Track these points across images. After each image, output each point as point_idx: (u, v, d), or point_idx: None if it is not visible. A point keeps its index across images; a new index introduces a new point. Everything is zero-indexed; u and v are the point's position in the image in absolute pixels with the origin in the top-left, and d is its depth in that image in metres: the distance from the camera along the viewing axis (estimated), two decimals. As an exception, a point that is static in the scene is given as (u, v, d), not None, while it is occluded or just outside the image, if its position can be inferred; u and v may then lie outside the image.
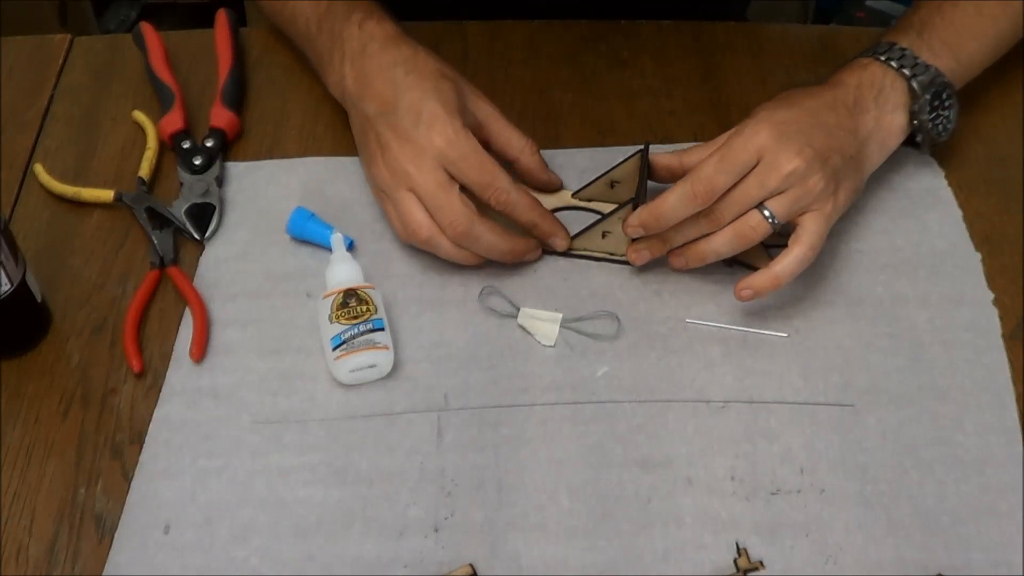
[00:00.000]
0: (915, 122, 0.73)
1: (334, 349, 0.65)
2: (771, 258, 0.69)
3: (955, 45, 0.74)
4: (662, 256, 0.71)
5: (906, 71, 0.72)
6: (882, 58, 0.73)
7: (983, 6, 0.76)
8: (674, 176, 0.70)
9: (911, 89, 0.72)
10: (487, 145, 0.71)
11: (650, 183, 0.73)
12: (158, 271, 0.73)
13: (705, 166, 0.66)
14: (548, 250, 0.73)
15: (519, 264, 0.73)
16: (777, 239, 0.68)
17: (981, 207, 0.76)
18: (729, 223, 0.67)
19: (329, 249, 0.71)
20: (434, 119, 0.68)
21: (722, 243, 0.68)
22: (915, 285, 0.72)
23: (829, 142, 0.68)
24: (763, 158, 0.66)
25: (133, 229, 0.76)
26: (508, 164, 0.74)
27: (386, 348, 0.66)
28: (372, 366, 0.66)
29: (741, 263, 0.71)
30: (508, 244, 0.70)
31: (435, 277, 0.72)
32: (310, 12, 0.79)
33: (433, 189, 0.67)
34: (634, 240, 0.71)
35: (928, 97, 0.72)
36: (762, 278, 0.67)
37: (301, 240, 0.74)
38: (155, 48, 0.85)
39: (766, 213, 0.66)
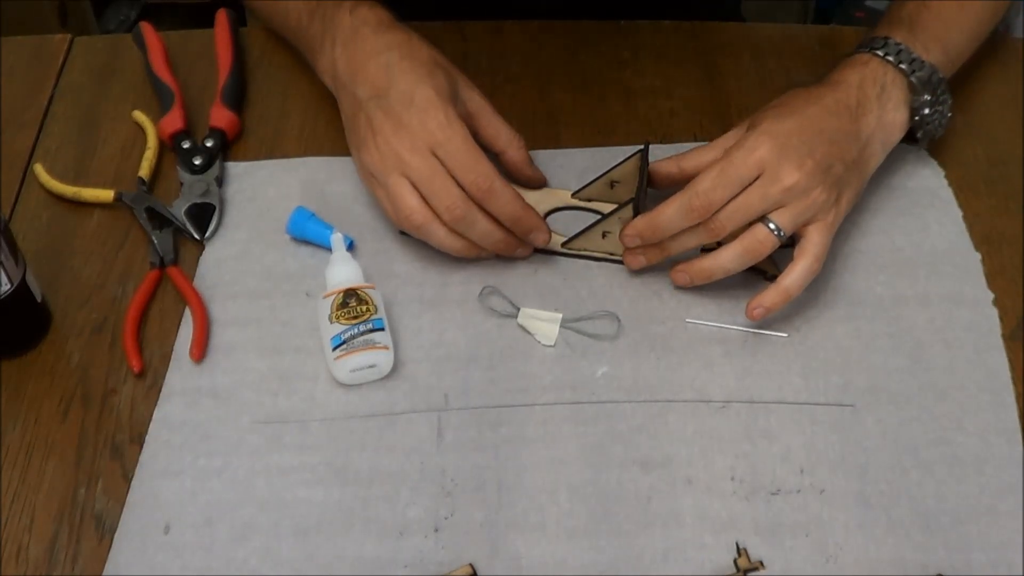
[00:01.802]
0: (916, 118, 0.73)
1: (334, 349, 0.65)
2: (773, 261, 0.70)
3: (943, 39, 0.75)
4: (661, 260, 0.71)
5: (904, 67, 0.72)
6: (880, 53, 0.73)
7: (964, 2, 0.77)
8: (674, 183, 0.70)
9: (911, 85, 0.72)
10: (475, 136, 0.71)
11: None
12: (158, 271, 0.73)
13: (704, 179, 0.66)
14: (541, 249, 0.73)
15: (519, 264, 0.73)
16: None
17: (981, 207, 0.76)
18: (730, 236, 0.67)
19: (329, 249, 0.71)
20: (428, 104, 0.68)
21: (730, 259, 0.68)
22: (915, 285, 0.72)
23: (831, 150, 0.68)
24: (764, 172, 0.66)
25: (133, 229, 0.76)
26: (494, 157, 0.74)
27: (386, 348, 0.66)
28: (372, 366, 0.66)
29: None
30: (502, 232, 0.69)
31: (435, 277, 0.72)
32: (302, 5, 0.79)
33: (429, 175, 0.67)
34: None
35: (928, 96, 0.72)
36: (772, 295, 0.67)
37: (301, 240, 0.74)
38: (155, 48, 0.85)
39: (772, 226, 0.66)
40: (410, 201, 0.68)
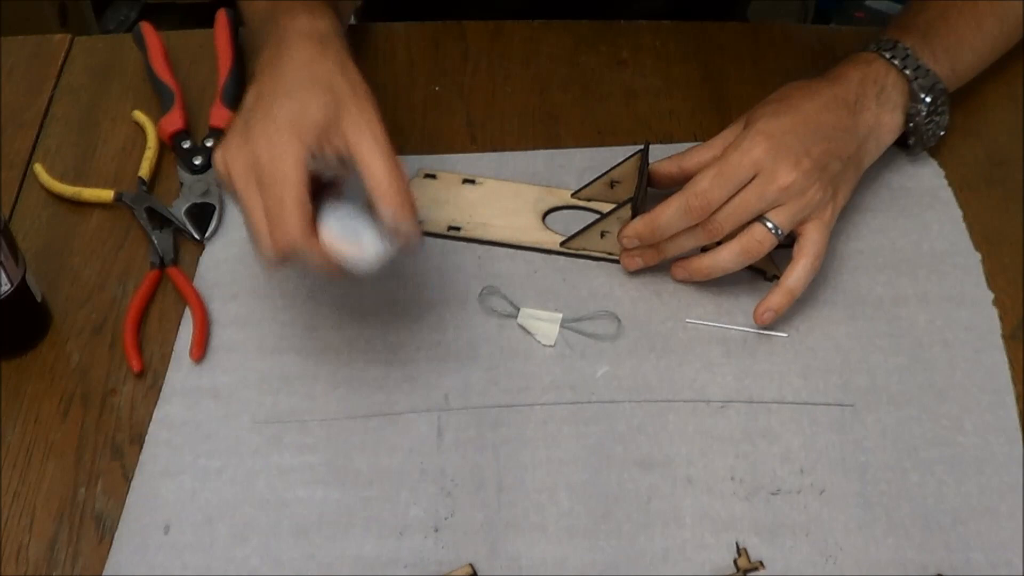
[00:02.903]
0: (911, 124, 0.73)
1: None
2: (772, 261, 0.70)
3: (954, 54, 0.75)
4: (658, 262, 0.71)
5: (908, 72, 0.72)
6: (886, 55, 0.73)
7: (983, 21, 0.77)
8: (675, 183, 0.70)
9: (911, 91, 0.72)
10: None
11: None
12: (158, 271, 0.73)
13: (702, 180, 0.66)
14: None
15: (519, 264, 0.73)
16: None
17: (981, 207, 0.76)
18: (728, 235, 0.67)
19: None
20: (275, 129, 0.59)
21: (729, 258, 0.68)
22: (915, 285, 0.72)
23: (828, 147, 0.68)
24: (760, 171, 0.66)
25: (133, 229, 0.76)
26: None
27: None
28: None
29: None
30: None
31: (435, 277, 0.72)
32: (263, 7, 0.72)
33: (244, 204, 0.60)
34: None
35: (928, 101, 0.72)
36: (778, 297, 0.67)
37: None
38: (155, 48, 0.85)
39: (769, 225, 0.66)
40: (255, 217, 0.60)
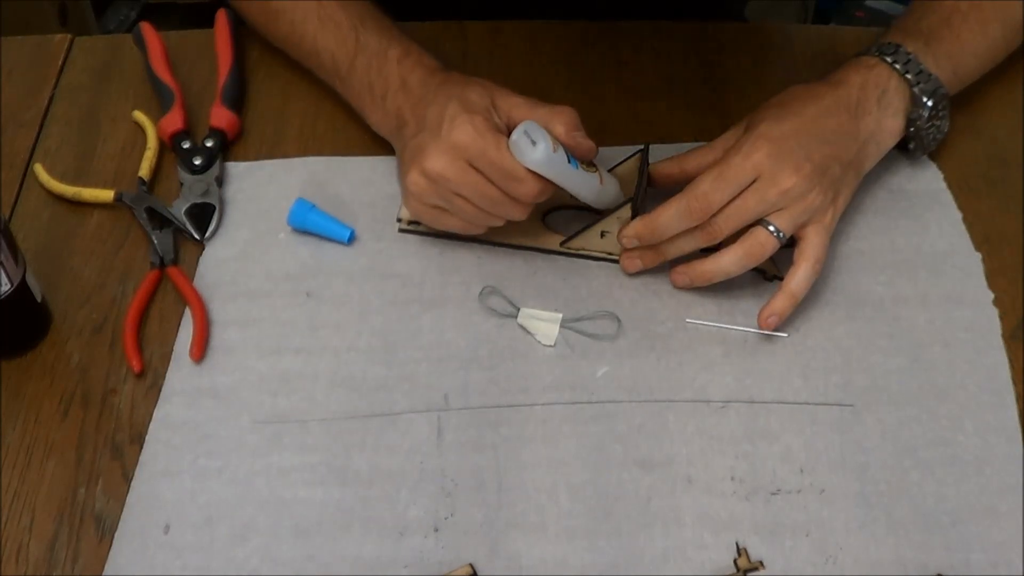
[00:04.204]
0: (911, 129, 0.73)
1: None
2: (773, 260, 0.70)
3: (957, 59, 0.75)
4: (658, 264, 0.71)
5: (910, 77, 0.72)
6: (888, 59, 0.73)
7: (987, 26, 0.77)
8: (676, 183, 0.70)
9: (913, 95, 0.72)
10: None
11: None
12: (158, 271, 0.73)
13: (702, 182, 0.66)
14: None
15: (519, 264, 0.73)
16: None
17: (981, 207, 0.76)
18: (727, 238, 0.67)
19: (331, 240, 0.73)
20: (455, 117, 0.66)
21: (731, 261, 0.68)
22: (915, 285, 0.72)
23: (828, 151, 0.68)
24: (761, 175, 0.66)
25: (133, 229, 0.76)
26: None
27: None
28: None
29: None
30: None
31: (435, 277, 0.72)
32: (335, 47, 0.77)
33: (471, 190, 0.66)
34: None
35: (930, 106, 0.72)
36: (781, 301, 0.67)
37: (302, 232, 0.74)
38: (155, 48, 0.85)
39: (771, 229, 0.66)
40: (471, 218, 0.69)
